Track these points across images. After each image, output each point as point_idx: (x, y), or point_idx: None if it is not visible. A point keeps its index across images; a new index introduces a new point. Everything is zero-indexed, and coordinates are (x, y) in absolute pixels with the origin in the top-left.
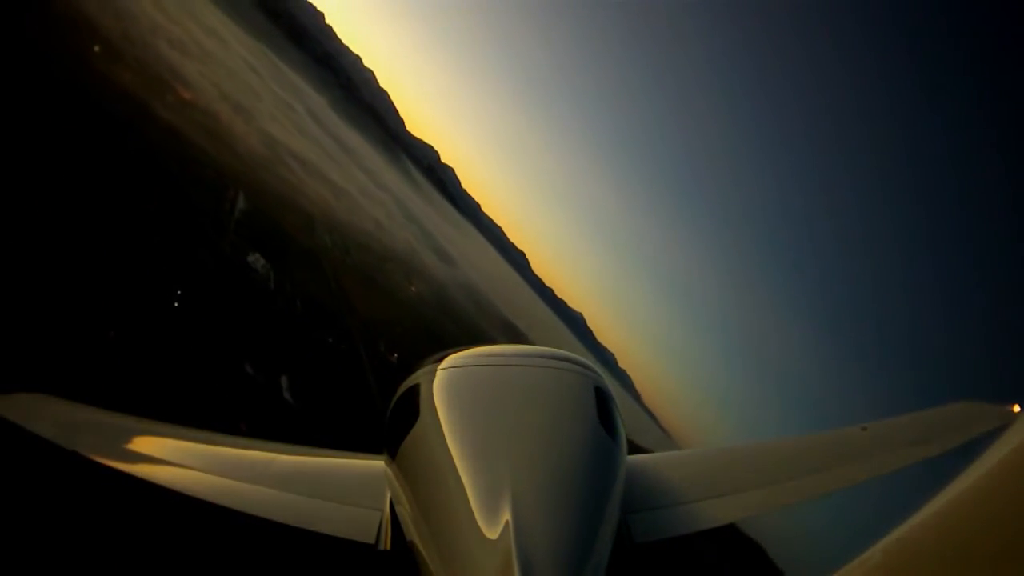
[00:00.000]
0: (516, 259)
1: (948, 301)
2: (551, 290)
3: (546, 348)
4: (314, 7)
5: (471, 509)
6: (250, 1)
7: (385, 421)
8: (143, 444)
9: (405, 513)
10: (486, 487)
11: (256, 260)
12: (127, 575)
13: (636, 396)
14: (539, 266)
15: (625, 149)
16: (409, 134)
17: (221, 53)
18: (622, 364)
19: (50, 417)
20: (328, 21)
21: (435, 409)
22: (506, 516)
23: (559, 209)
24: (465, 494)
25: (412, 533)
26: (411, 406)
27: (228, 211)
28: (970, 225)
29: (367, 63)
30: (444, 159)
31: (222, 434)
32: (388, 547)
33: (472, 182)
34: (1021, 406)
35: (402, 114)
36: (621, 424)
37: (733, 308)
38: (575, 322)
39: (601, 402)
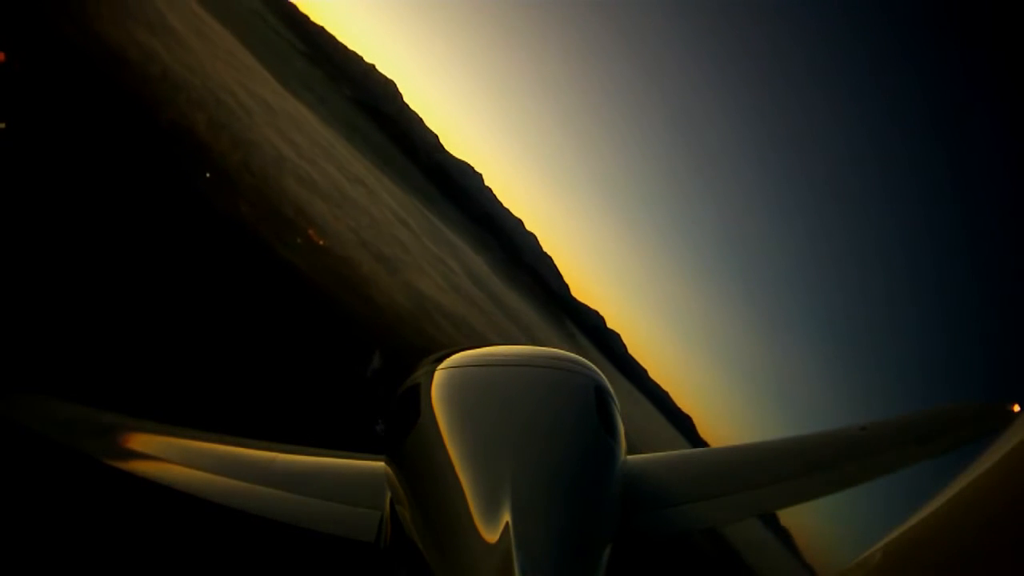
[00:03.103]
0: (682, 422)
1: (947, 301)
2: None
3: (546, 348)
4: (473, 168)
5: (471, 510)
6: (406, 158)
7: (385, 421)
8: (143, 444)
9: (405, 513)
10: (486, 488)
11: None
12: (127, 575)
13: (795, 550)
14: (704, 429)
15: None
16: (574, 298)
17: (364, 200)
18: (784, 522)
19: (50, 417)
20: (488, 183)
21: (435, 409)
22: (506, 517)
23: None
24: (465, 495)
25: (412, 533)
26: (411, 406)
27: (360, 369)
28: (969, 225)
29: (529, 226)
30: (610, 324)
31: (222, 434)
32: (388, 547)
33: (638, 348)
34: (1021, 406)
35: (567, 278)
36: (621, 424)
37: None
38: None
39: (601, 402)
